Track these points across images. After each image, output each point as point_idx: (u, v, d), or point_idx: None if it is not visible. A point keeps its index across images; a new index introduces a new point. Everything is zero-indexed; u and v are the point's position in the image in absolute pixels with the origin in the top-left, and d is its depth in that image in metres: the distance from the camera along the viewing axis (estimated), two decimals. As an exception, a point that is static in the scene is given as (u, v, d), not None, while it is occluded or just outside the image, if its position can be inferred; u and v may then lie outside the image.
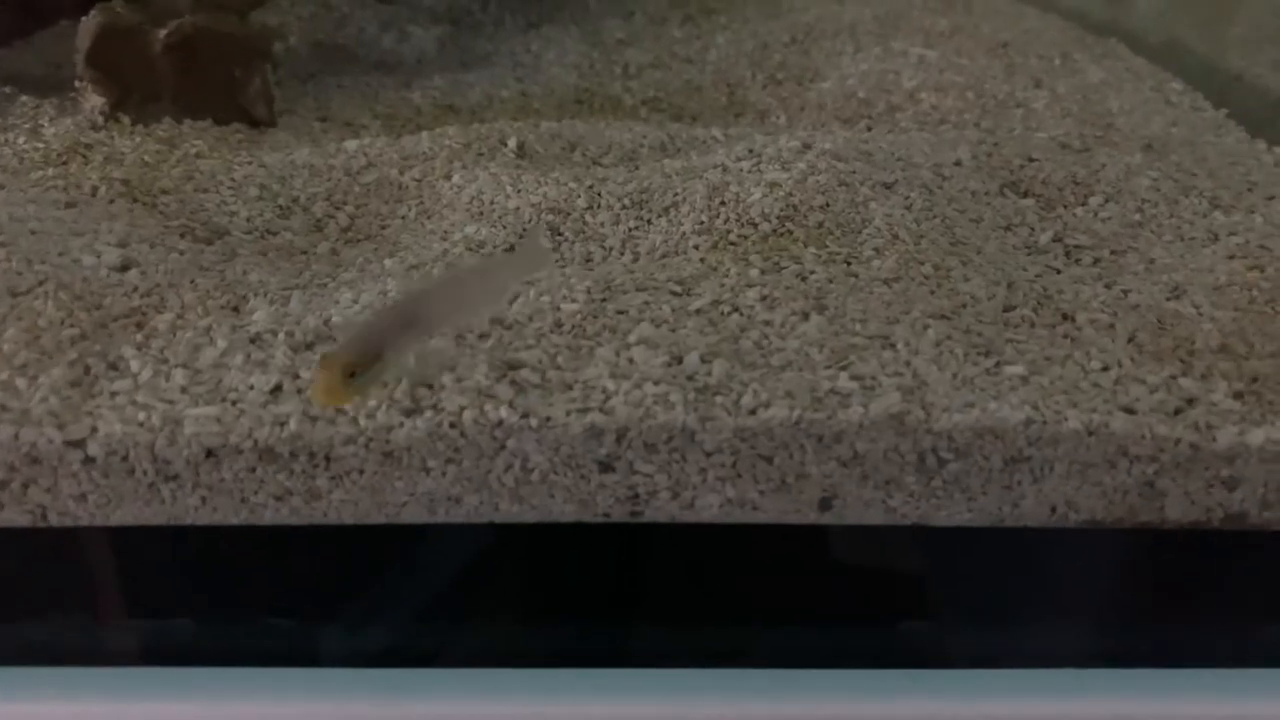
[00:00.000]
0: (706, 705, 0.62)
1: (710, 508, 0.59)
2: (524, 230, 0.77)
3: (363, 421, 0.57)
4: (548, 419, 0.57)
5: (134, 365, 0.60)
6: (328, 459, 0.57)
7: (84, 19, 0.91)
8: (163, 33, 0.91)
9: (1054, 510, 0.59)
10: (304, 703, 0.62)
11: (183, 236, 0.77)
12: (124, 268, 0.69)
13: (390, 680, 0.63)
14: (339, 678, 0.64)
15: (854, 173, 0.77)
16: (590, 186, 0.81)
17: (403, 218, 0.83)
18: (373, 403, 0.58)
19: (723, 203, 0.77)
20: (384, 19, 1.33)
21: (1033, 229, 0.77)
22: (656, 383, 0.59)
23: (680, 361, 0.60)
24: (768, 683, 0.63)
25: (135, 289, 0.67)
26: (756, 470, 0.58)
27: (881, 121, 1.02)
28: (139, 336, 0.63)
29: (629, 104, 1.15)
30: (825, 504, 0.59)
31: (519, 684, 0.63)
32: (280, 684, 0.63)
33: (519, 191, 0.81)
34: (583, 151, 0.94)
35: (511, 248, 0.75)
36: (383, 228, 0.83)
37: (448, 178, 0.86)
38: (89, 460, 0.57)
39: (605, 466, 0.58)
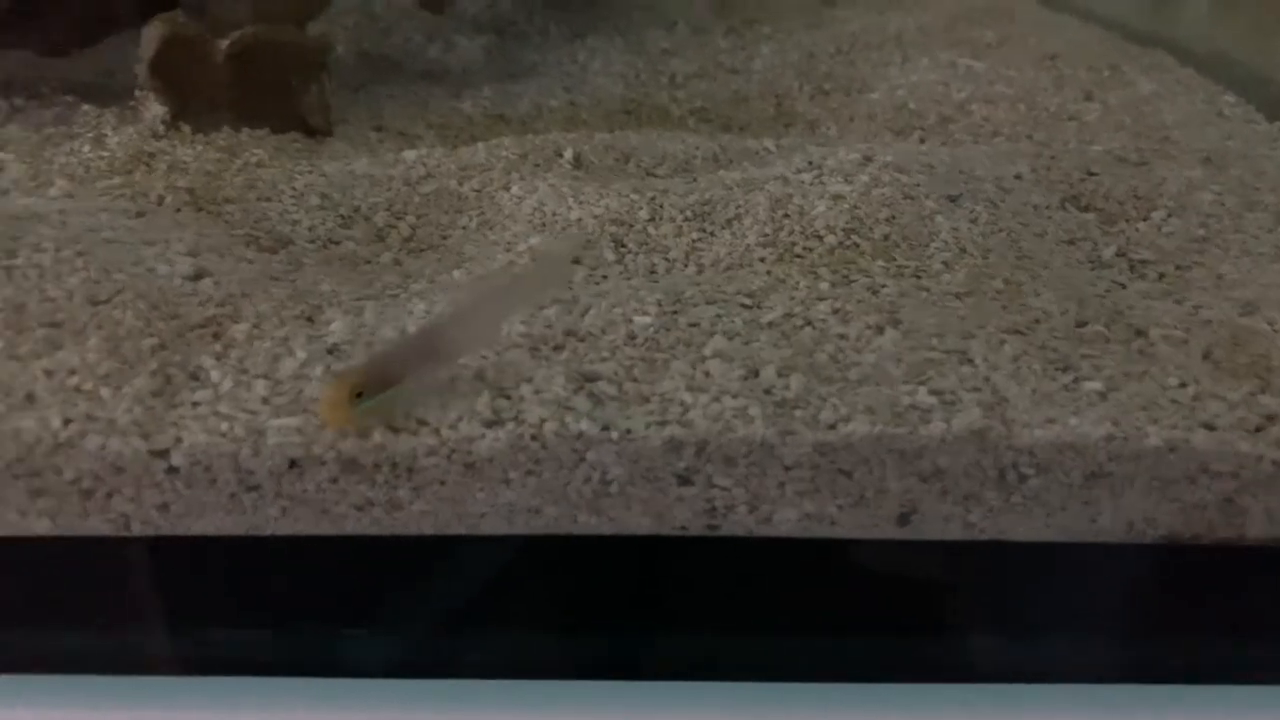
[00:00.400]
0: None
1: (788, 522, 0.59)
2: (588, 242, 0.78)
3: (445, 433, 0.57)
4: (628, 431, 0.57)
5: (214, 375, 0.61)
6: (410, 470, 0.58)
7: (145, 29, 0.92)
8: (224, 43, 0.92)
9: (1131, 526, 0.59)
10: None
11: (248, 245, 0.78)
12: (197, 277, 0.69)
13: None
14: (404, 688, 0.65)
15: (918, 185, 0.77)
16: (652, 198, 0.81)
17: (463, 228, 0.84)
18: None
19: (786, 215, 0.77)
20: (428, 29, 1.34)
21: (1095, 244, 0.77)
22: (735, 396, 0.59)
23: (757, 375, 0.60)
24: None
25: (210, 298, 0.67)
26: (836, 485, 0.58)
27: (934, 133, 1.02)
28: (217, 346, 0.63)
29: (676, 114, 1.15)
30: (904, 519, 0.59)
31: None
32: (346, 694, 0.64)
33: (580, 203, 0.82)
34: (636, 162, 0.95)
35: (577, 259, 0.76)
36: (444, 238, 0.83)
37: (506, 189, 0.87)
38: (173, 470, 0.57)
39: (683, 480, 0.58)
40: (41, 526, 0.58)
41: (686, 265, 0.75)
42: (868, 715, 0.62)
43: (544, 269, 0.73)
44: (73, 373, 0.60)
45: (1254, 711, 0.62)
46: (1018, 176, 0.83)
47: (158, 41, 0.90)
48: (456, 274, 0.74)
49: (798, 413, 0.58)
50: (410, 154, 0.92)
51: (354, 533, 0.59)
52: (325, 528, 0.59)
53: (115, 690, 0.64)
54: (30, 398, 0.58)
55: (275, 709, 0.63)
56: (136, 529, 0.59)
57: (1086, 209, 0.81)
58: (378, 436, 0.57)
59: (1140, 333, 0.66)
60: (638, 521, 0.59)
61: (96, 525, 0.59)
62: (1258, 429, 0.58)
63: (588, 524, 0.59)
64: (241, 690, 0.63)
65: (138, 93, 0.95)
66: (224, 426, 0.57)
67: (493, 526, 0.59)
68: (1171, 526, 0.58)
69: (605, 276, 0.74)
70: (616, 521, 0.59)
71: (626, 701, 0.62)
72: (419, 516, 0.59)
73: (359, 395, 0.55)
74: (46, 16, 0.93)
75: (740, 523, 0.59)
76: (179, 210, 0.80)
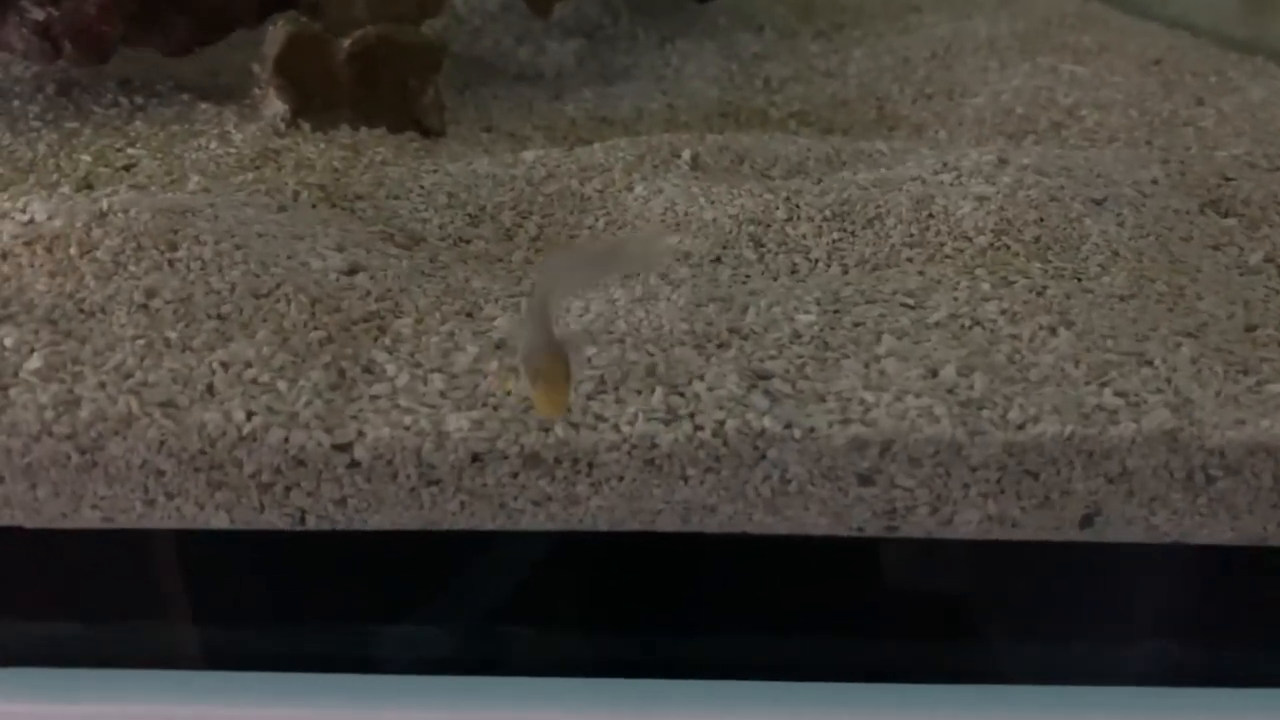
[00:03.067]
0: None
1: (969, 524, 0.58)
2: (726, 242, 0.77)
3: (625, 429, 0.57)
4: (811, 430, 0.57)
5: (389, 369, 0.61)
6: (590, 465, 0.57)
7: (271, 28, 0.92)
8: (346, 42, 0.92)
9: (1320, 531, 0.58)
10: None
11: (385, 242, 0.78)
12: (352, 271, 0.69)
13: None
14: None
15: (1062, 188, 0.77)
16: (787, 198, 0.80)
17: (590, 228, 0.84)
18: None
19: (930, 215, 0.76)
20: (517, 32, 1.33)
21: (1241, 249, 0.77)
22: (917, 395, 0.58)
23: (936, 374, 0.60)
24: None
25: (369, 293, 0.67)
26: (1021, 486, 0.57)
27: (1047, 138, 1.01)
28: (385, 340, 0.63)
29: (775, 117, 1.15)
30: (1087, 521, 0.58)
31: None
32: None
33: (712, 203, 0.81)
34: (750, 164, 0.94)
35: (718, 259, 0.75)
36: (571, 237, 0.83)
37: (629, 189, 0.86)
38: (354, 464, 0.57)
39: (865, 479, 0.58)
40: (219, 521, 0.58)
41: (830, 265, 0.75)
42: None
43: (637, 247, 0.72)
44: (248, 365, 0.60)
45: None
46: (1154, 181, 0.82)
47: (283, 40, 0.90)
48: (601, 273, 0.74)
49: (984, 413, 0.57)
50: (529, 154, 0.92)
51: (529, 528, 0.59)
52: (503, 523, 0.59)
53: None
54: (210, 389, 0.58)
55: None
56: (312, 524, 0.59)
57: (1227, 214, 0.81)
58: (560, 431, 0.57)
59: (1312, 337, 0.65)
60: (815, 522, 0.59)
61: (272, 520, 0.58)
62: None
63: (763, 524, 0.59)
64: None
65: (256, 90, 0.96)
66: (407, 420, 0.57)
67: (668, 524, 0.59)
68: (1360, 531, 0.58)
69: (749, 276, 0.74)
70: (793, 521, 0.59)
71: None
72: (595, 512, 0.59)
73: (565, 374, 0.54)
74: (171, 17, 0.94)
75: (920, 524, 0.58)
76: (314, 206, 0.80)
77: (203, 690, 0.64)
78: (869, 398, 0.58)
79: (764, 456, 0.57)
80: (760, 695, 0.64)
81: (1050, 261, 0.70)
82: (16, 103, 0.97)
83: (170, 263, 0.66)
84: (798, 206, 0.80)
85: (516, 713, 0.63)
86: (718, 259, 0.76)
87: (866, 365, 0.61)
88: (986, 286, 0.67)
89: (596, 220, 0.84)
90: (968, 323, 0.64)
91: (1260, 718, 0.62)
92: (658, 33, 1.35)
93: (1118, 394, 0.58)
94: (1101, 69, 1.14)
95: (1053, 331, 0.62)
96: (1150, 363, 0.60)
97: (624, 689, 0.64)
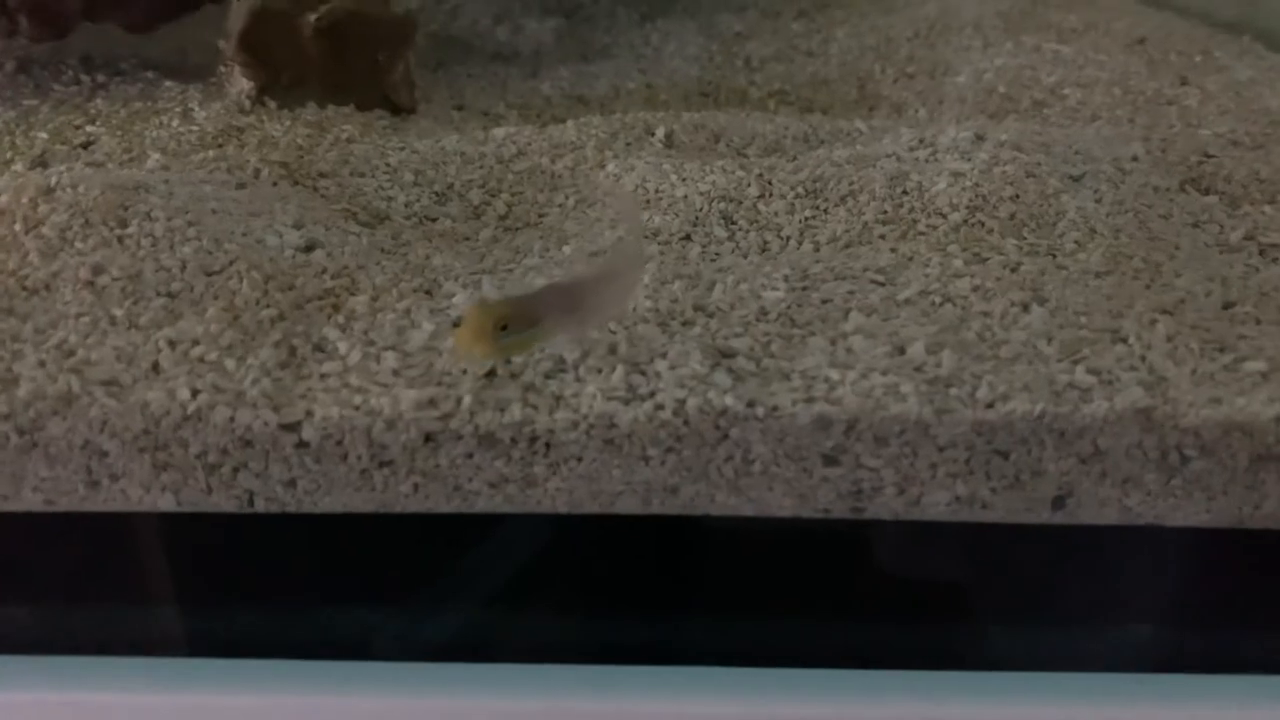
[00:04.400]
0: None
1: (937, 505, 0.57)
2: (697, 219, 0.75)
3: (584, 408, 0.55)
4: (774, 408, 0.55)
5: (341, 347, 0.59)
6: (548, 446, 0.56)
7: (234, 3, 0.90)
8: (313, 17, 0.90)
9: (1297, 512, 0.56)
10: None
11: (347, 220, 0.76)
12: (309, 248, 0.68)
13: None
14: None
15: (1039, 164, 0.75)
16: (759, 175, 0.79)
17: (560, 206, 0.82)
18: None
19: (904, 192, 0.75)
20: (496, 11, 1.31)
21: (1221, 226, 0.75)
22: (884, 373, 0.57)
23: (903, 352, 0.58)
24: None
25: (324, 270, 0.66)
26: (990, 467, 0.56)
27: (1028, 116, 0.99)
28: (339, 318, 0.61)
29: (755, 96, 1.13)
30: (1059, 502, 0.56)
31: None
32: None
33: (684, 180, 0.79)
34: (727, 142, 0.92)
35: (688, 236, 0.74)
36: (541, 216, 0.81)
37: (601, 166, 0.85)
38: (302, 444, 0.55)
39: (830, 460, 0.56)
40: (166, 503, 0.56)
41: (801, 242, 0.73)
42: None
43: (620, 247, 0.70)
44: (195, 343, 0.58)
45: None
46: (1134, 158, 0.80)
47: (247, 15, 0.88)
48: (567, 249, 0.72)
49: (953, 391, 0.55)
50: (499, 131, 0.90)
51: (484, 510, 0.57)
52: (457, 505, 0.57)
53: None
54: (156, 368, 0.57)
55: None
56: (261, 506, 0.57)
57: (1208, 192, 0.79)
58: (516, 412, 0.55)
59: (1291, 314, 0.63)
60: (779, 503, 0.57)
61: (220, 502, 0.57)
62: None
63: (726, 505, 0.57)
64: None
65: (221, 68, 0.94)
66: (357, 400, 0.55)
67: (627, 506, 0.57)
68: (1338, 512, 0.56)
69: (718, 253, 0.72)
70: (756, 502, 0.57)
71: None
72: (553, 494, 0.57)
73: (503, 329, 0.52)
74: (134, -8, 0.92)
75: (887, 505, 0.57)
76: (275, 184, 0.78)
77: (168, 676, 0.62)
78: (834, 376, 0.57)
79: (726, 436, 0.56)
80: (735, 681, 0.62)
81: (1025, 238, 0.69)
82: (-27, 80, 0.95)
83: (120, 239, 0.64)
84: (770, 184, 0.78)
85: (484, 699, 0.62)
86: (687, 236, 0.74)
87: (833, 343, 0.59)
88: (959, 263, 0.66)
89: (567, 198, 0.82)
90: (938, 299, 0.62)
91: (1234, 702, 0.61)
92: (638, 11, 1.33)
93: (1090, 371, 0.56)
94: (1086, 48, 1.12)
95: (1025, 308, 0.61)
96: (1124, 340, 0.59)
97: (595, 675, 0.63)
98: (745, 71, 1.18)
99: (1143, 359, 0.58)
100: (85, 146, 0.82)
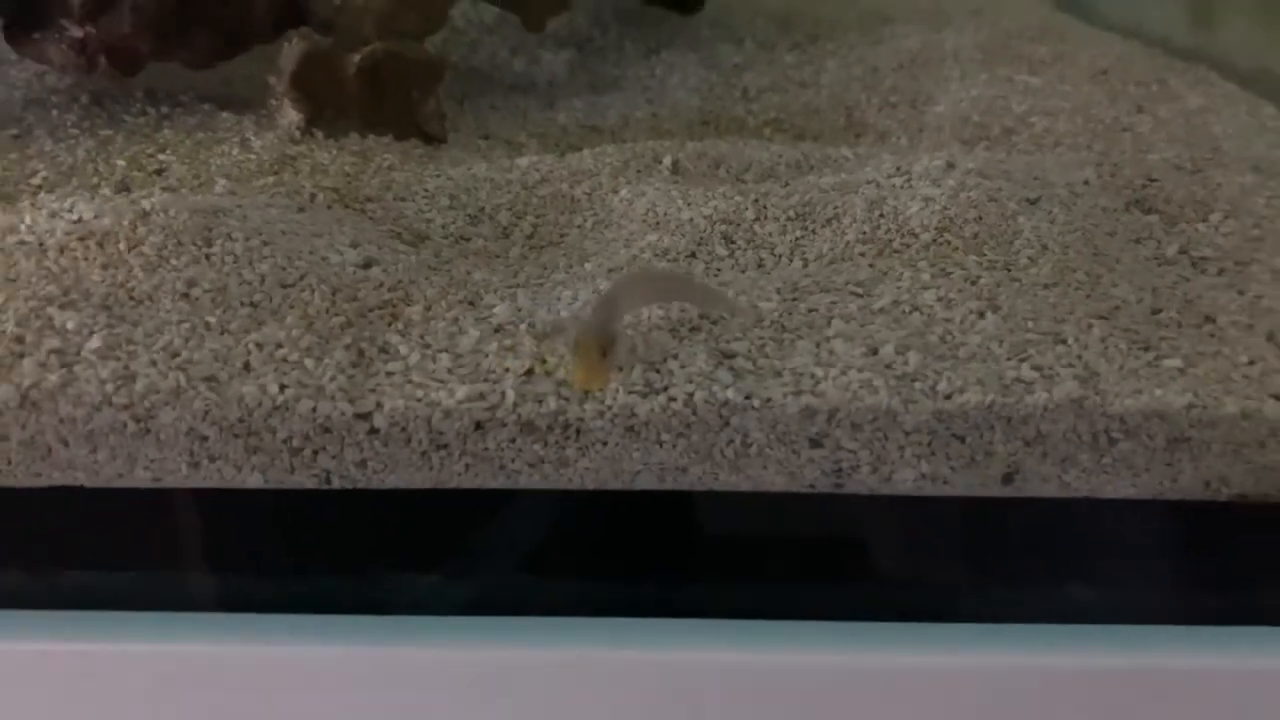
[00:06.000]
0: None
1: (906, 481, 0.67)
2: (701, 239, 0.86)
3: (609, 400, 0.66)
4: (768, 400, 0.66)
5: (402, 350, 0.69)
6: (578, 432, 0.66)
7: (286, 45, 1.01)
8: (356, 57, 1.00)
9: (1208, 485, 0.67)
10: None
11: (394, 239, 0.86)
12: (366, 265, 0.78)
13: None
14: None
15: (1000, 189, 0.86)
16: (755, 200, 0.89)
17: (579, 227, 0.92)
18: (613, 385, 0.67)
19: (882, 215, 0.85)
20: (512, 44, 1.42)
21: (1160, 242, 0.85)
22: (860, 370, 0.67)
23: (876, 353, 0.69)
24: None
25: (382, 284, 0.76)
26: (950, 448, 0.66)
27: (999, 143, 1.10)
28: (398, 325, 0.72)
29: (752, 125, 1.24)
30: (1008, 479, 0.67)
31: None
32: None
33: (689, 204, 0.90)
34: (727, 169, 1.03)
35: (693, 254, 0.84)
36: (562, 235, 0.92)
37: (615, 191, 0.95)
38: (374, 431, 0.66)
39: (815, 443, 0.67)
40: (254, 481, 0.67)
41: (792, 259, 0.84)
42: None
43: (723, 303, 0.76)
44: (279, 346, 0.69)
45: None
46: (1086, 182, 0.91)
47: (299, 56, 0.99)
48: (588, 265, 0.83)
49: (917, 384, 0.66)
50: (524, 160, 1.01)
51: (525, 486, 0.68)
52: (501, 482, 0.67)
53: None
54: (247, 366, 0.67)
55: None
56: (336, 483, 0.67)
57: (1150, 211, 0.89)
58: (552, 403, 0.66)
59: (1209, 319, 0.74)
60: (772, 480, 0.68)
61: (301, 480, 0.67)
62: (1319, 401, 0.66)
63: (728, 482, 0.68)
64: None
65: (272, 101, 1.04)
66: (418, 393, 0.66)
67: (645, 483, 0.68)
68: (1243, 486, 0.67)
69: (720, 269, 0.83)
70: (754, 479, 0.68)
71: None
72: (583, 473, 0.67)
73: (604, 356, 0.63)
74: (196, 33, 1.02)
75: (863, 482, 0.67)
76: (329, 207, 0.88)
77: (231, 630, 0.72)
78: (819, 372, 0.67)
79: (728, 423, 0.66)
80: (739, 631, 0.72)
81: (985, 255, 0.79)
82: (55, 112, 1.06)
83: (207, 256, 0.75)
84: (765, 208, 0.88)
85: (521, 650, 0.71)
86: (693, 254, 0.85)
87: (818, 345, 0.70)
88: (927, 277, 0.76)
89: (585, 220, 0.93)
90: (908, 308, 0.73)
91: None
92: (644, 44, 1.44)
93: (1034, 368, 0.67)
94: (1054, 79, 1.23)
95: (981, 315, 0.71)
96: (1064, 341, 0.69)
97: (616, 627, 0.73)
98: (743, 101, 1.29)
99: (1079, 357, 0.68)
100: (159, 173, 0.93)
